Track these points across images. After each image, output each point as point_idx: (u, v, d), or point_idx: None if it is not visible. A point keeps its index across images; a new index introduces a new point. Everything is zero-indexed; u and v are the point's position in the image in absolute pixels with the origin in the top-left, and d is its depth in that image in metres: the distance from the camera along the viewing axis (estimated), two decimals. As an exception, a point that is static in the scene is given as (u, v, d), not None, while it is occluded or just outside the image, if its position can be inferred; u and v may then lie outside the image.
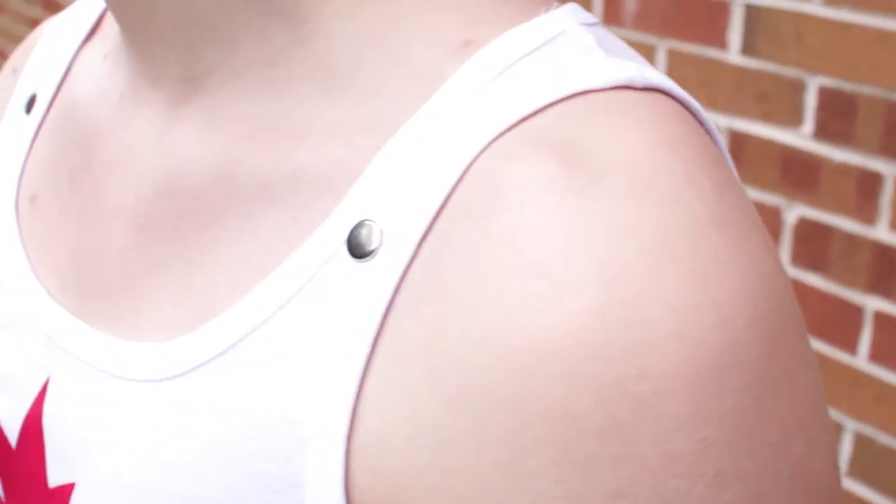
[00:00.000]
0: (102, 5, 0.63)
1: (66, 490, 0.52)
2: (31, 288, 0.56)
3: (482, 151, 0.42)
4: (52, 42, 0.65)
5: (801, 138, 1.78)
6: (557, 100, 0.43)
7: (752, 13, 1.80)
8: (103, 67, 0.59)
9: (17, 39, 3.63)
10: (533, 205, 0.40)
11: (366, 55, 0.47)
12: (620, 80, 0.44)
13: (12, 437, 0.56)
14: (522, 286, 0.39)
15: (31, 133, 0.62)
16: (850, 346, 1.79)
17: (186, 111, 0.52)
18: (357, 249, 0.43)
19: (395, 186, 0.43)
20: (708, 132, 0.47)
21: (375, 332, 0.42)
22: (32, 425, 0.54)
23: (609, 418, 0.38)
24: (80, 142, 0.57)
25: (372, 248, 0.43)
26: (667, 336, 0.38)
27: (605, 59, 0.45)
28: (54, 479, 0.53)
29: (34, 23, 3.45)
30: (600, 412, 0.38)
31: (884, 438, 1.78)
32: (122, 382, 0.50)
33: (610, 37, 0.48)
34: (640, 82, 0.44)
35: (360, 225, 0.44)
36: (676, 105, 0.45)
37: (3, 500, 0.58)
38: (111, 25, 0.61)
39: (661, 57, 1.97)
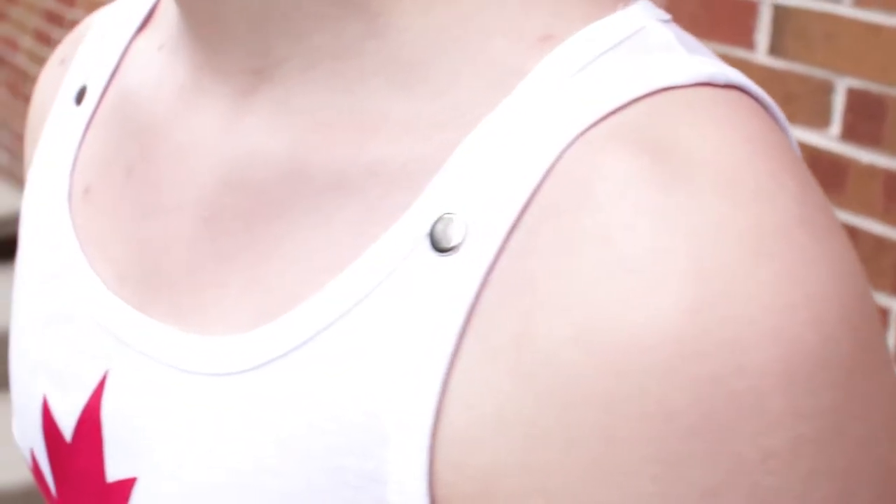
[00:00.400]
0: None
1: (127, 485, 0.51)
2: (88, 280, 0.56)
3: (569, 146, 0.42)
4: (102, 33, 0.64)
5: (828, 140, 1.77)
6: (642, 95, 0.43)
7: (781, 14, 1.79)
8: (159, 58, 0.58)
9: (29, 31, 3.63)
10: (625, 200, 0.40)
11: (441, 50, 0.47)
12: (703, 77, 0.43)
13: (67, 430, 0.55)
14: (616, 282, 0.39)
15: (83, 125, 0.61)
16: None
17: (253, 103, 0.51)
18: (440, 243, 0.43)
19: (478, 180, 0.43)
20: (782, 130, 0.47)
21: (461, 327, 0.42)
22: (90, 419, 0.54)
23: (705, 415, 0.38)
24: (137, 134, 0.57)
25: (456, 241, 0.42)
26: (763, 333, 0.38)
27: (686, 55, 0.45)
28: (113, 473, 0.52)
29: (48, 14, 3.45)
30: (696, 409, 0.38)
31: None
32: (188, 376, 0.49)
33: (685, 34, 0.48)
34: (720, 79, 0.44)
35: (441, 219, 0.43)
36: (754, 103, 0.45)
37: (55, 495, 0.58)
38: (165, 16, 0.60)
39: (686, 56, 1.95)
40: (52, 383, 0.57)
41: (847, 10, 1.71)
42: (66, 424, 0.55)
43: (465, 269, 0.42)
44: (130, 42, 0.62)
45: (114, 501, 0.52)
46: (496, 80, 0.45)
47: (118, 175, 0.57)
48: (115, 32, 0.63)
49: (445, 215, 0.43)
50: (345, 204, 0.47)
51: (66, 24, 3.31)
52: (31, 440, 0.59)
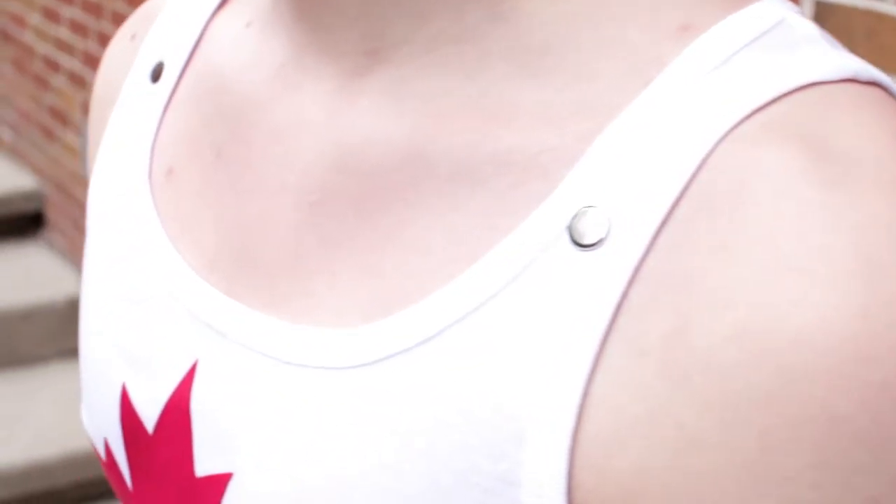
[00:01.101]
0: None
1: (220, 480, 0.49)
2: (174, 265, 0.53)
3: (721, 140, 0.40)
4: (178, 9, 0.61)
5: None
6: (792, 90, 0.41)
7: (823, 10, 1.76)
8: (247, 36, 0.56)
9: (38, 7, 3.59)
10: (787, 197, 0.38)
11: (574, 37, 0.45)
12: (849, 73, 0.42)
13: (149, 421, 0.53)
14: (780, 281, 0.37)
15: (161, 103, 0.58)
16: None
17: (366, 85, 0.49)
18: (580, 237, 0.41)
19: (622, 173, 0.41)
20: None
21: (606, 326, 0.40)
22: (177, 410, 0.51)
23: (872, 422, 0.36)
24: (228, 114, 0.54)
25: (599, 236, 0.41)
26: None
27: (830, 50, 0.43)
28: (203, 468, 0.50)
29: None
30: (863, 415, 0.36)
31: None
32: (293, 369, 0.47)
33: (819, 28, 0.47)
34: (864, 76, 0.43)
35: (582, 212, 0.41)
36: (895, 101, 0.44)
37: (131, 488, 0.55)
38: None
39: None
40: (132, 371, 0.54)
41: (890, 8, 1.68)
42: (149, 415, 0.53)
43: (610, 265, 0.40)
44: (211, 18, 0.59)
45: (204, 497, 0.50)
46: (633, 69, 0.44)
47: (205, 156, 0.55)
48: (192, 7, 0.60)
49: (586, 208, 0.41)
50: (470, 193, 0.45)
51: (76, 2, 3.27)
52: (105, 430, 0.56)
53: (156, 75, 0.59)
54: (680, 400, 0.38)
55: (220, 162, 0.54)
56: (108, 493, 2.99)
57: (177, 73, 0.58)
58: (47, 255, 3.63)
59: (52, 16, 3.49)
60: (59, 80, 3.48)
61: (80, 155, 3.38)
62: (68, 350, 3.34)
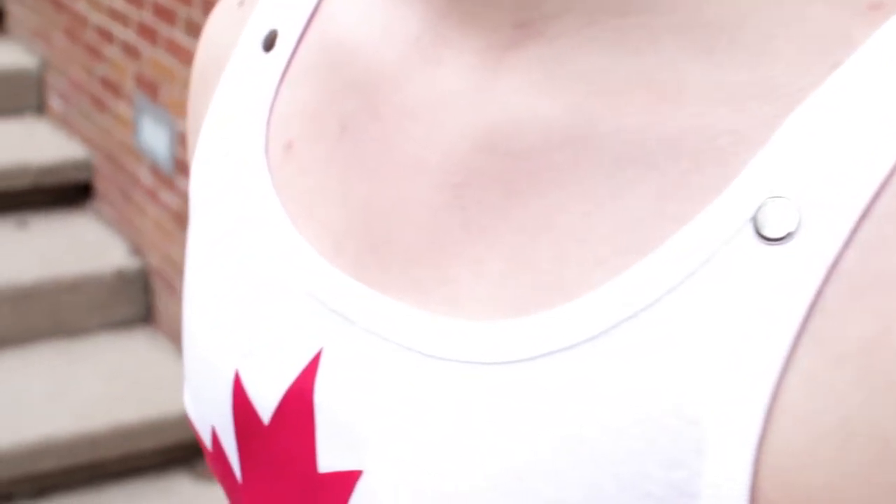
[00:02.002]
0: None
1: (348, 478, 0.46)
2: (296, 246, 0.50)
3: None
4: None
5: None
6: None
7: None
8: (373, 6, 0.52)
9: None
10: None
11: (750, 13, 0.42)
12: None
13: (265, 412, 0.50)
14: None
15: (276, 74, 0.55)
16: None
17: (516, 59, 0.45)
18: (766, 230, 0.38)
19: (813, 162, 0.38)
20: None
21: (798, 327, 0.37)
22: (298, 401, 0.48)
23: None
24: (356, 87, 0.51)
25: (788, 229, 0.37)
26: None
27: None
28: (328, 464, 0.47)
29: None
30: None
31: None
32: (434, 362, 0.43)
33: None
34: None
35: (768, 202, 0.38)
36: None
37: (240, 480, 0.52)
38: None
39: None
40: (247, 358, 0.51)
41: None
42: (265, 405, 0.49)
43: (803, 260, 0.37)
44: None
45: (329, 495, 0.47)
46: (820, 50, 0.40)
47: (330, 131, 0.51)
48: None
49: (772, 199, 0.38)
50: (638, 178, 0.41)
51: (131, -28, 3.26)
52: (213, 419, 0.53)
53: (268, 44, 0.56)
54: (881, 411, 0.35)
55: (347, 138, 0.50)
56: (154, 467, 2.98)
57: (293, 43, 0.55)
58: (95, 226, 3.62)
59: (106, -15, 3.48)
60: (112, 51, 3.46)
61: (131, 126, 3.36)
62: (115, 322, 3.33)
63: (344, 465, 0.46)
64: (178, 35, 2.99)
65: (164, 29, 3.08)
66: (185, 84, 2.98)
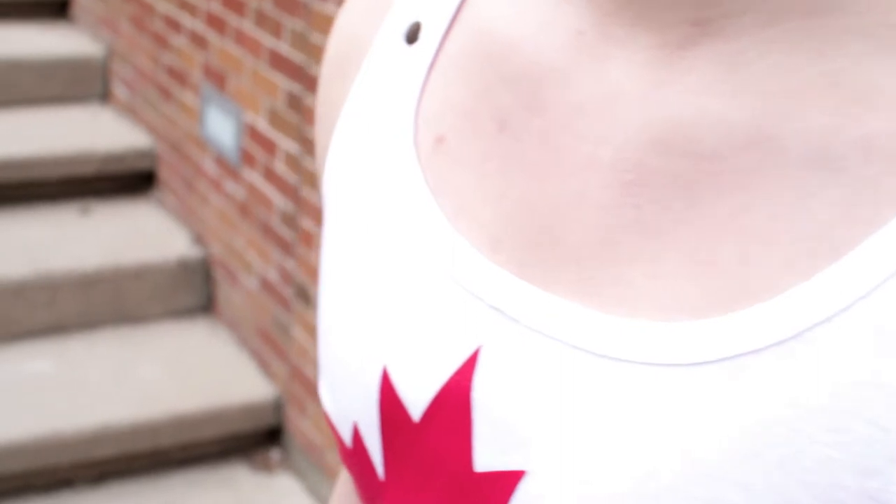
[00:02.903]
0: None
1: (509, 478, 0.45)
2: (451, 241, 0.49)
3: None
4: None
5: None
6: None
7: None
8: (528, 1, 0.51)
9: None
10: None
11: None
12: None
13: (415, 408, 0.49)
14: None
15: (423, 66, 0.54)
16: None
17: (692, 58, 0.45)
18: None
19: None
20: None
21: None
22: (454, 399, 0.47)
23: None
24: (513, 82, 0.50)
25: None
26: None
27: None
28: (485, 462, 0.46)
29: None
30: None
31: None
32: (608, 363, 0.43)
33: None
34: None
35: None
36: None
37: (382, 477, 0.51)
38: None
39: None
40: (396, 354, 0.50)
41: None
42: (415, 402, 0.49)
43: None
44: None
45: (488, 495, 0.46)
46: None
47: (484, 125, 0.50)
48: None
49: None
50: (827, 181, 0.41)
51: (200, -38, 3.26)
52: (356, 414, 0.52)
53: (411, 36, 0.55)
54: None
55: (506, 132, 0.49)
56: (212, 456, 2.99)
57: (439, 36, 0.54)
58: (158, 214, 3.63)
59: (174, -25, 3.49)
60: (179, 40, 3.47)
61: (197, 115, 3.37)
62: (176, 310, 3.35)
63: (505, 465, 0.45)
64: (247, 26, 2.99)
65: (233, 19, 3.08)
66: (252, 75, 2.98)
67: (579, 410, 0.43)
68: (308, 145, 2.72)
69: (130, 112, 3.92)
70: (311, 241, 2.76)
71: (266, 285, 3.04)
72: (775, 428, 0.39)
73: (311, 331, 2.80)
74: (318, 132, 0.63)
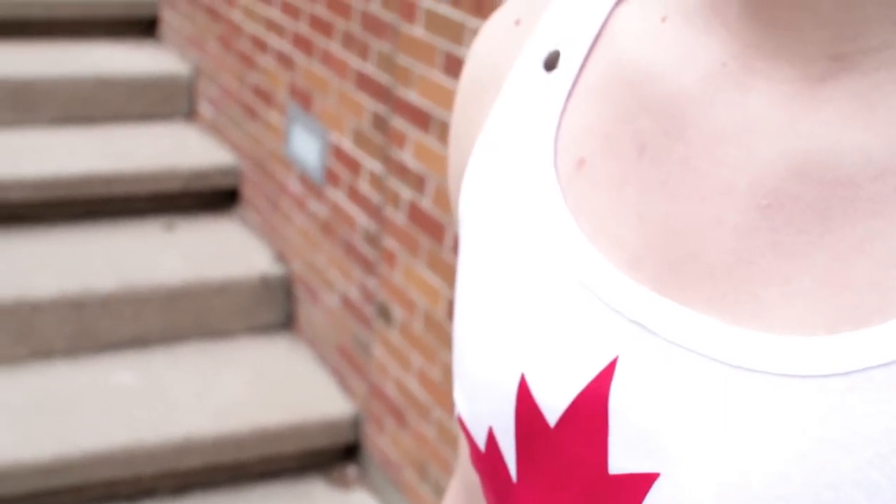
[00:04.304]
0: None
1: (644, 480, 0.48)
2: (592, 260, 0.52)
3: None
4: None
5: None
6: None
7: None
8: (667, 31, 0.54)
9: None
10: None
11: None
12: None
13: (552, 414, 0.52)
14: None
15: (562, 93, 0.57)
16: None
17: (831, 91, 0.47)
18: None
19: None
20: None
21: None
22: (592, 405, 0.50)
23: None
24: (655, 109, 0.53)
25: None
26: None
27: None
28: (620, 465, 0.49)
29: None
30: None
31: None
32: (744, 373, 0.46)
33: None
34: None
35: None
36: None
37: (515, 480, 0.54)
38: None
39: None
40: (534, 363, 0.53)
41: None
42: (552, 407, 0.52)
43: None
44: (613, 9, 0.58)
45: (622, 496, 0.49)
46: None
47: (625, 150, 0.53)
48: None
49: None
50: None
51: (288, -16, 3.32)
52: (492, 419, 0.55)
53: (550, 64, 0.58)
54: None
55: (645, 157, 0.52)
56: (292, 471, 3.03)
57: (578, 64, 0.57)
58: (241, 231, 3.69)
59: (262, -4, 3.55)
60: (265, 60, 3.53)
61: (282, 134, 3.43)
62: (258, 326, 3.40)
63: (639, 468, 0.48)
64: (335, 47, 3.04)
65: (319, 40, 3.14)
66: (338, 95, 3.03)
67: (713, 417, 0.46)
68: (392, 165, 2.76)
69: (215, 130, 3.99)
70: (393, 260, 2.79)
71: (347, 303, 3.08)
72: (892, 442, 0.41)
73: (391, 349, 2.83)
74: (453, 154, 0.66)
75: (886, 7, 0.45)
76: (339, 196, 3.09)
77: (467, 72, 0.66)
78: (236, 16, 3.76)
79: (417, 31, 2.58)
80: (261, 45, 3.57)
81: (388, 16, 2.73)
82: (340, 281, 3.11)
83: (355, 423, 3.05)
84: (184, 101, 4.16)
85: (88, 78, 4.00)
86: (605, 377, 0.49)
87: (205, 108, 4.07)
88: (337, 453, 3.09)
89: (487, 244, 0.58)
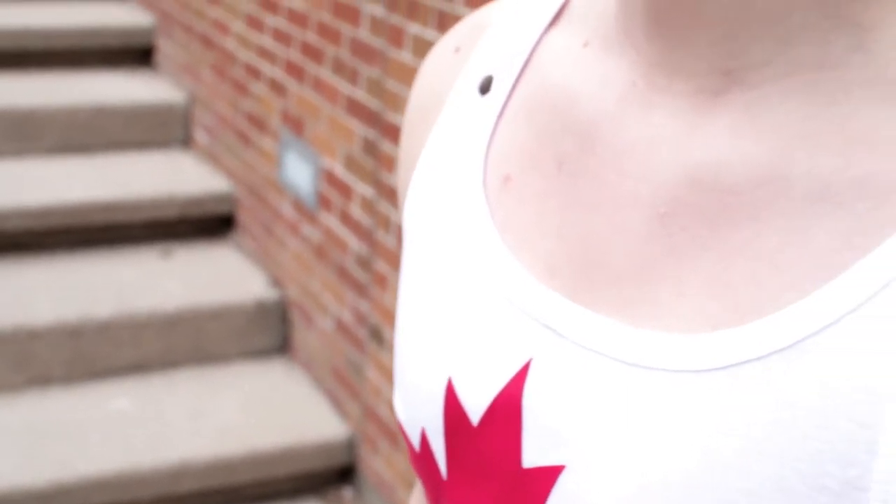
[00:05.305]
0: None
1: (551, 472, 0.52)
2: (512, 269, 0.56)
3: None
4: (508, 26, 0.64)
5: None
6: None
7: None
8: (588, 55, 0.58)
9: (241, 16, 3.70)
10: None
11: None
12: None
13: (474, 414, 0.56)
14: None
15: (493, 115, 0.61)
16: None
17: (722, 104, 0.51)
18: None
19: None
20: None
21: None
22: (507, 405, 0.54)
23: None
24: (573, 128, 0.57)
25: None
26: None
27: None
28: (531, 460, 0.53)
29: (262, 0, 3.51)
30: None
31: None
32: (639, 371, 0.49)
33: None
34: None
35: None
36: None
37: (445, 476, 0.57)
38: (587, 14, 0.60)
39: None
40: (460, 367, 0.57)
41: None
42: (475, 408, 0.55)
43: None
44: (541, 36, 0.62)
45: (532, 487, 0.53)
46: None
47: (546, 166, 0.57)
48: (522, 25, 0.63)
49: None
50: (828, 214, 0.47)
51: (280, 12, 3.36)
52: (424, 421, 0.59)
53: (484, 88, 0.62)
54: None
55: (563, 173, 0.56)
56: (286, 493, 3.05)
57: (508, 87, 0.61)
58: (237, 257, 3.73)
59: (255, 24, 3.59)
60: (259, 88, 3.58)
61: (275, 160, 3.47)
62: (253, 350, 3.43)
63: (548, 461, 0.52)
64: (325, 73, 3.08)
65: (311, 67, 3.18)
66: (329, 121, 3.07)
67: (612, 412, 0.50)
68: (383, 189, 2.79)
69: (211, 157, 4.03)
70: (385, 283, 2.82)
71: (341, 327, 3.11)
72: (775, 425, 0.45)
73: (385, 371, 2.86)
74: (400, 174, 0.70)
75: (769, 25, 0.49)
76: (331, 220, 3.12)
77: (413, 96, 0.70)
78: (230, 44, 3.81)
79: (405, 56, 2.63)
80: (254, 73, 3.62)
81: (376, 42, 2.77)
82: (334, 304, 3.14)
83: (350, 445, 3.08)
84: (180, 128, 4.20)
85: (86, 107, 4.05)
86: (519, 379, 0.53)
87: (200, 136, 4.11)
88: (332, 475, 3.12)
89: (424, 257, 0.62)
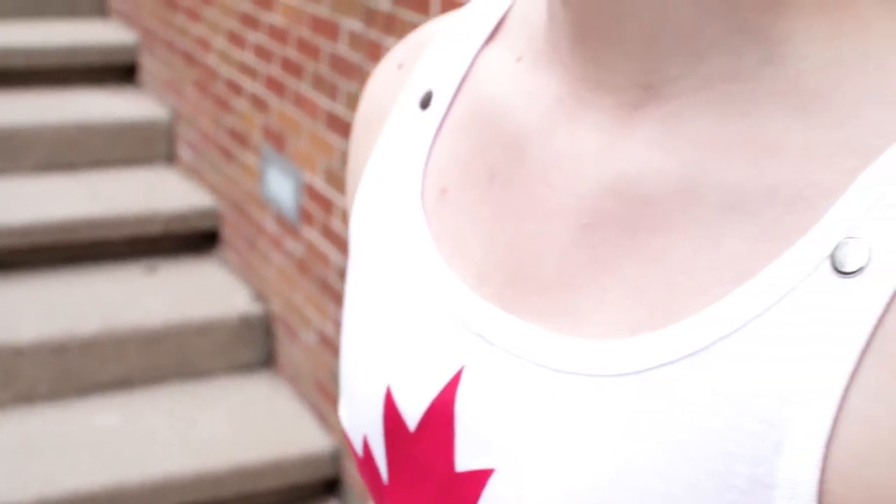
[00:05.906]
0: (500, 9, 0.65)
1: (481, 475, 0.53)
2: (445, 278, 0.58)
3: None
4: (446, 42, 0.67)
5: None
6: None
7: None
8: (520, 70, 0.60)
9: (223, 32, 3.72)
10: None
11: (840, 81, 0.48)
12: None
13: (411, 420, 0.57)
14: None
15: (432, 129, 0.64)
16: None
17: (641, 118, 0.53)
18: (841, 266, 0.45)
19: (883, 208, 0.45)
20: None
21: (863, 345, 0.43)
22: (441, 411, 0.56)
23: None
24: (504, 141, 0.59)
25: (859, 264, 0.44)
26: None
27: None
28: (464, 464, 0.54)
29: (243, 17, 3.53)
30: None
31: None
32: (561, 376, 0.51)
33: None
34: None
35: (844, 242, 0.45)
36: None
37: (386, 481, 0.59)
38: (521, 30, 0.63)
39: None
40: (398, 374, 0.59)
41: None
42: (411, 414, 0.57)
43: (869, 289, 0.44)
44: (479, 52, 0.65)
45: (465, 490, 0.54)
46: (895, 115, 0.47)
47: (479, 178, 0.59)
48: (461, 43, 0.66)
49: (848, 239, 0.45)
50: (738, 222, 0.49)
51: (261, 28, 3.38)
52: (366, 427, 0.61)
53: (425, 103, 0.64)
54: None
55: (495, 185, 0.58)
56: (272, 506, 3.06)
57: (447, 102, 0.64)
58: (221, 273, 3.74)
59: (236, 40, 3.61)
60: (240, 103, 3.60)
61: (258, 176, 3.49)
62: (238, 365, 3.44)
63: (478, 465, 0.54)
64: (305, 88, 3.10)
65: (291, 83, 3.20)
66: (310, 136, 3.09)
67: (537, 417, 0.51)
68: (363, 203, 2.81)
69: (194, 173, 4.04)
70: (366, 295, 2.83)
71: (324, 339, 3.12)
72: (688, 426, 0.47)
73: (368, 383, 2.87)
74: (349, 186, 0.73)
75: (683, 41, 0.51)
76: (313, 234, 3.14)
77: (359, 111, 0.73)
78: (212, 60, 3.83)
79: (382, 71, 2.64)
80: (235, 89, 3.64)
81: (355, 56, 2.79)
82: (317, 318, 3.16)
83: (335, 458, 3.09)
84: (163, 145, 4.22)
85: (70, 125, 4.07)
86: (452, 386, 0.55)
87: (184, 152, 4.13)
88: (317, 488, 3.13)
89: (367, 268, 0.64)
